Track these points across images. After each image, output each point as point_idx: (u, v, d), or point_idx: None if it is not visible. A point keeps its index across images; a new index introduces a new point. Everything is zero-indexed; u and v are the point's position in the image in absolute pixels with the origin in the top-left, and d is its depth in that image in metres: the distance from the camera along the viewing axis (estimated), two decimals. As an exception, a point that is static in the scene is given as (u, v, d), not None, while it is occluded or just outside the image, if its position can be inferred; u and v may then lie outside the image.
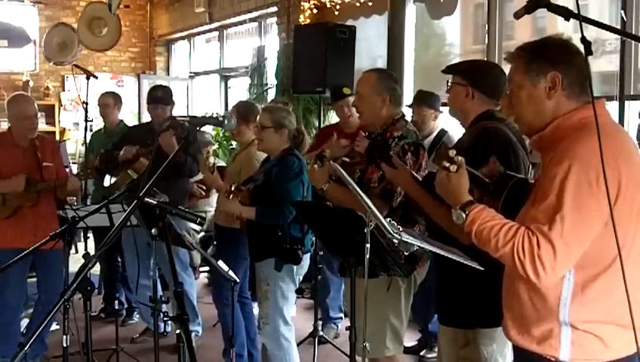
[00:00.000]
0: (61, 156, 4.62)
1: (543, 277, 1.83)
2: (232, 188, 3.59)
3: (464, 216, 1.98)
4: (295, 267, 3.65)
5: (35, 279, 4.49)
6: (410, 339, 4.66)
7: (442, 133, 4.68)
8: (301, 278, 3.79)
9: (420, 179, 2.77)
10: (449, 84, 2.82)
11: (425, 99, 4.64)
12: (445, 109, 4.60)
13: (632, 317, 1.72)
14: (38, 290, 4.42)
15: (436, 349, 4.66)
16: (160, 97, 4.94)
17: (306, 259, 3.73)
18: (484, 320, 2.63)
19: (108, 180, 5.09)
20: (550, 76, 1.98)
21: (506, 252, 1.87)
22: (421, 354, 4.75)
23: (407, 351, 4.33)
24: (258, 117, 3.89)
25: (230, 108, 4.58)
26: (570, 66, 1.98)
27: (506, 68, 2.20)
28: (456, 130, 4.39)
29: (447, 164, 2.03)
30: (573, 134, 1.91)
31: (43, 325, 2.18)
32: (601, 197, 1.78)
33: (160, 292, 4.91)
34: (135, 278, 4.32)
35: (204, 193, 5.97)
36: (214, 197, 5.62)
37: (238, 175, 4.13)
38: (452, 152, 2.03)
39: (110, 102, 5.58)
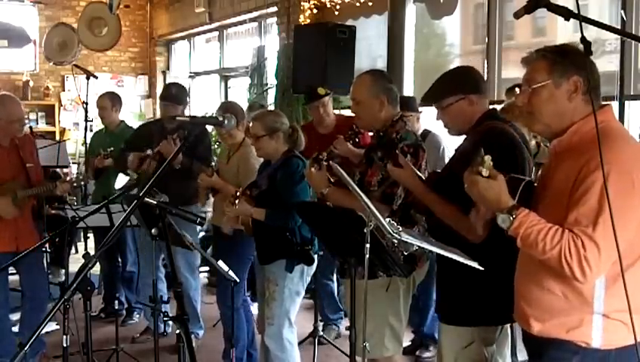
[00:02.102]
0: (37, 154, 4.50)
1: (589, 276, 1.96)
2: (238, 194, 3.58)
3: (511, 219, 2.04)
4: (306, 267, 3.64)
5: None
6: (404, 339, 4.66)
7: (426, 132, 4.68)
8: (309, 279, 3.79)
9: (424, 178, 2.76)
10: (444, 107, 2.74)
11: (406, 104, 4.62)
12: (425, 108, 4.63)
13: (629, 308, 1.83)
14: (22, 287, 4.40)
15: (431, 349, 4.67)
16: (174, 95, 4.86)
17: (315, 260, 3.73)
18: (487, 317, 2.62)
19: (121, 180, 5.09)
20: (573, 80, 2.10)
21: (553, 255, 1.98)
22: (417, 353, 4.74)
23: (402, 351, 4.33)
24: (251, 125, 3.86)
25: (216, 110, 4.55)
26: (590, 73, 2.09)
27: (506, 67, 2.22)
28: (440, 130, 4.38)
29: (482, 169, 2.07)
30: (601, 140, 1.97)
31: (43, 325, 2.17)
32: (637, 198, 1.96)
33: (165, 291, 4.93)
34: (148, 280, 4.28)
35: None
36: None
37: (236, 176, 4.12)
38: (487, 158, 2.08)
39: (107, 104, 5.52)
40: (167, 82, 10.25)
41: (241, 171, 4.13)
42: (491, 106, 2.95)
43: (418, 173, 2.81)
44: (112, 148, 5.08)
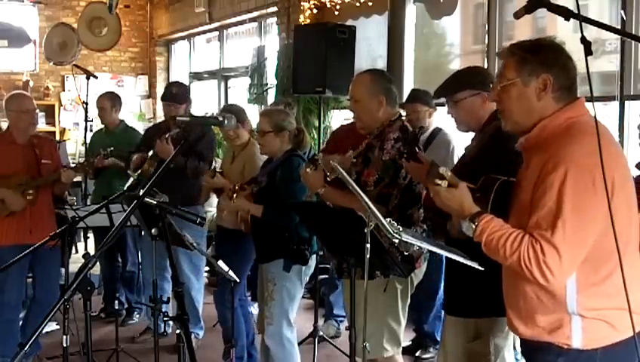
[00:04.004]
0: (59, 154, 4.63)
1: (552, 281, 1.92)
2: (236, 188, 3.58)
3: (474, 226, 2.03)
4: (303, 267, 3.64)
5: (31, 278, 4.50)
6: (405, 339, 4.66)
7: (437, 130, 4.67)
8: (308, 279, 3.79)
9: None
10: (456, 101, 2.77)
11: (419, 97, 4.63)
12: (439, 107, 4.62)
13: (628, 304, 1.80)
14: (34, 289, 4.42)
15: (431, 349, 4.66)
16: (174, 95, 4.86)
17: (313, 260, 3.73)
18: (498, 307, 2.61)
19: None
20: (542, 78, 2.05)
21: (514, 261, 1.95)
22: (417, 354, 4.74)
23: (402, 351, 4.33)
24: (258, 120, 3.89)
25: (217, 112, 4.60)
26: (562, 71, 2.05)
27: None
28: (451, 128, 4.38)
29: (439, 182, 2.07)
30: (562, 137, 1.97)
31: (43, 325, 2.17)
32: (600, 196, 1.85)
33: (170, 291, 4.92)
34: (151, 279, 4.28)
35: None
36: (214, 197, 5.61)
37: (241, 174, 4.13)
38: (442, 169, 2.08)
39: (107, 104, 5.53)
40: (169, 82, 10.25)
41: (247, 169, 4.15)
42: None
43: None
44: (112, 148, 5.08)
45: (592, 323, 1.98)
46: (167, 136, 4.50)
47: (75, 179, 4.91)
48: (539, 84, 2.05)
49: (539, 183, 1.96)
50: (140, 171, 4.86)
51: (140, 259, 5.39)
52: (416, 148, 2.91)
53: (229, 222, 4.18)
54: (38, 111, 4.42)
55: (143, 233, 4.46)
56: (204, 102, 10.27)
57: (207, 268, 6.76)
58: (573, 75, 2.07)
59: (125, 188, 5.01)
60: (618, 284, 1.84)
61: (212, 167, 4.85)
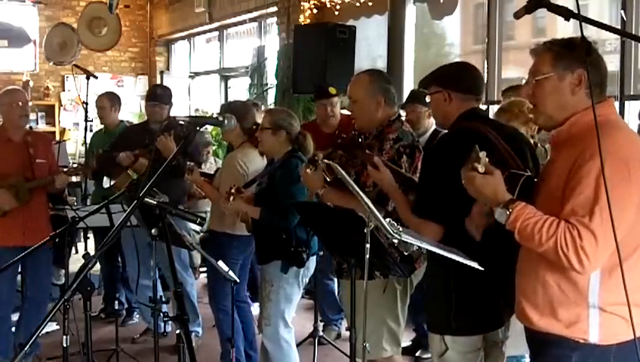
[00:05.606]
0: (54, 151, 4.60)
1: (587, 266, 1.95)
2: (232, 190, 3.58)
3: (507, 213, 2.04)
4: (302, 269, 3.64)
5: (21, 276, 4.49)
6: (405, 339, 4.65)
7: (437, 131, 4.66)
8: (307, 280, 3.78)
9: (402, 171, 2.83)
10: (427, 95, 2.81)
11: (418, 98, 4.62)
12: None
13: (627, 300, 1.82)
14: (24, 287, 4.40)
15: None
16: (159, 95, 4.92)
17: (313, 261, 3.72)
18: (452, 327, 2.60)
19: (107, 182, 5.09)
20: (577, 73, 2.09)
21: (550, 246, 1.96)
22: (417, 354, 4.74)
23: (402, 351, 4.32)
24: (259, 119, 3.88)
25: (220, 107, 4.58)
26: (595, 68, 2.08)
27: (506, 67, 2.22)
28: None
29: (477, 166, 2.09)
30: (594, 132, 1.97)
31: (43, 325, 2.17)
32: (634, 187, 1.94)
33: (160, 292, 4.93)
34: (135, 278, 4.32)
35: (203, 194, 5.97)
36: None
37: (220, 176, 4.13)
38: (482, 153, 2.09)
39: (106, 104, 5.52)
40: (163, 83, 10.28)
41: (223, 172, 4.15)
42: (493, 107, 2.95)
43: (399, 170, 2.82)
44: (111, 149, 5.09)
45: (610, 318, 2.01)
46: (171, 133, 4.50)
47: (74, 180, 4.91)
48: (574, 79, 2.09)
49: (572, 174, 1.99)
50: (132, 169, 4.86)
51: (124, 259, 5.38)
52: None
53: (218, 225, 4.16)
54: (31, 104, 4.42)
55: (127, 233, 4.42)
56: (204, 102, 10.29)
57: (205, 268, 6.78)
58: (604, 73, 2.12)
59: (105, 188, 5.02)
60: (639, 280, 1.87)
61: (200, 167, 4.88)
